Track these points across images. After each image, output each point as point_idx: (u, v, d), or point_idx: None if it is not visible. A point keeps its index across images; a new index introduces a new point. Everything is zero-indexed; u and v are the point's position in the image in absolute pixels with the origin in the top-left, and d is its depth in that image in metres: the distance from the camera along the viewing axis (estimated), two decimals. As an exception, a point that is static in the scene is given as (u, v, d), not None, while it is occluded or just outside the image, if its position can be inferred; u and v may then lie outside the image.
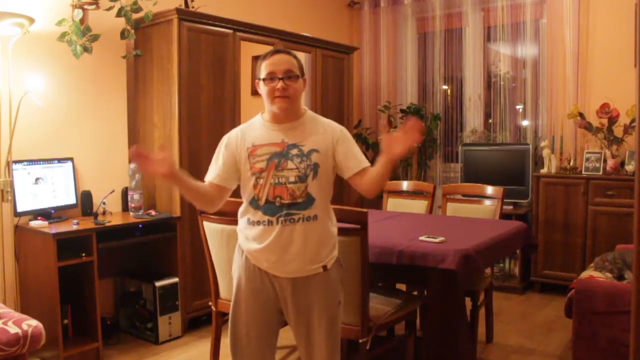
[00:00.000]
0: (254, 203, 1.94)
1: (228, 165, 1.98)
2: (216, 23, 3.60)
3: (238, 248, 2.05)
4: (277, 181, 1.90)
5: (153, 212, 3.41)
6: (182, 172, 1.91)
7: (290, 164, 1.91)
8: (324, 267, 1.96)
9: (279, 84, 1.90)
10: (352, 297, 2.36)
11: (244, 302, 2.00)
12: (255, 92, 4.38)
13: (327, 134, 1.98)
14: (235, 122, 3.75)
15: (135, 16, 3.33)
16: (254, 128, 2.00)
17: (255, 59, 4.35)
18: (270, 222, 1.91)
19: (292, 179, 1.90)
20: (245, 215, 1.99)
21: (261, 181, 1.91)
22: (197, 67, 3.49)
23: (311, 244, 1.93)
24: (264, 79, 1.94)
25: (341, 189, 4.68)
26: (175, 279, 3.39)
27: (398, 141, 1.84)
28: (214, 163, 2.02)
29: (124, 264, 3.59)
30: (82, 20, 3.18)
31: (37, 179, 3.12)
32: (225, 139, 2.03)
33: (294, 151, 1.92)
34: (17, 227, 3.07)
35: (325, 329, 1.97)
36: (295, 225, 1.90)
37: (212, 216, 2.70)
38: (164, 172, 1.82)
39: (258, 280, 1.98)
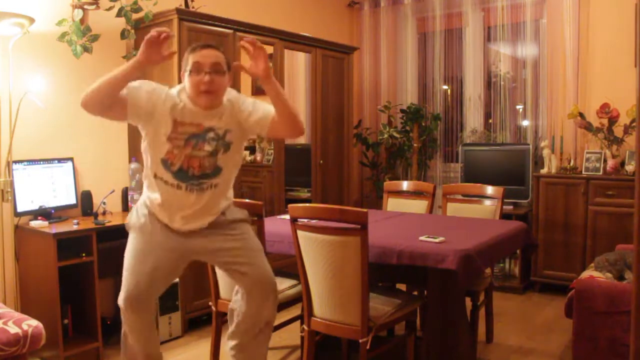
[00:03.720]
0: (165, 165, 2.06)
1: (143, 103, 2.02)
2: (216, 23, 3.60)
3: (142, 200, 2.18)
4: (192, 154, 2.06)
5: (153, 212, 3.41)
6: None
7: (206, 146, 2.06)
8: (222, 214, 2.21)
9: (206, 77, 1.97)
10: (352, 297, 2.37)
11: (147, 253, 2.16)
12: (255, 92, 4.40)
13: (233, 108, 2.12)
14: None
15: (135, 16, 3.33)
16: (180, 101, 2.06)
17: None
18: (179, 186, 2.08)
19: (204, 154, 2.06)
20: (153, 169, 2.10)
21: (176, 151, 2.03)
22: (197, 67, 3.49)
23: (211, 205, 2.15)
24: (190, 71, 2.00)
25: (341, 189, 4.69)
26: (175, 279, 3.39)
27: (254, 60, 2.01)
28: (143, 89, 2.05)
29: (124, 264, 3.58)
30: (82, 20, 3.18)
31: (37, 179, 3.12)
32: (159, 90, 2.07)
33: (211, 134, 2.07)
34: (17, 227, 3.07)
35: (242, 240, 2.23)
36: (203, 193, 2.10)
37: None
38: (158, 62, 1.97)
39: (161, 226, 2.16)
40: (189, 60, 2.03)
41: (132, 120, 2.08)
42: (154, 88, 2.07)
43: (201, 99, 2.00)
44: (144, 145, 2.14)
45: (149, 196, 2.17)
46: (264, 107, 2.15)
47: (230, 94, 2.17)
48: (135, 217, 2.22)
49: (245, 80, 4.06)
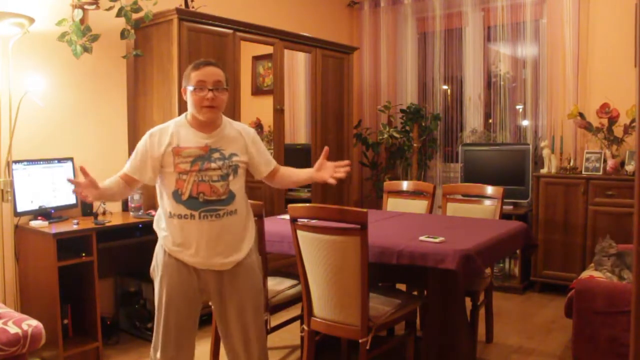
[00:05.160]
0: (176, 197, 2.08)
1: (143, 161, 2.11)
2: (216, 23, 3.60)
3: (159, 245, 2.18)
4: (200, 179, 2.07)
5: (153, 212, 3.41)
6: (97, 184, 2.07)
7: (213, 165, 2.09)
8: (244, 257, 2.17)
9: (209, 94, 2.06)
10: (352, 297, 2.37)
11: (170, 297, 2.13)
12: (255, 92, 4.41)
13: (242, 138, 2.20)
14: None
15: (135, 16, 3.33)
16: (178, 130, 2.12)
17: (256, 59, 4.36)
18: (192, 216, 2.07)
19: (215, 177, 2.08)
20: (167, 208, 2.11)
21: (184, 177, 2.06)
22: (197, 67, 3.49)
23: (231, 236, 2.13)
24: (194, 88, 2.08)
25: (341, 189, 4.69)
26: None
27: (328, 170, 2.19)
28: (135, 158, 2.14)
29: (124, 264, 3.59)
30: (82, 20, 3.18)
31: (37, 179, 3.12)
32: (148, 138, 2.13)
33: (216, 155, 2.11)
34: (17, 227, 3.07)
35: (252, 316, 2.18)
36: (221, 220, 2.09)
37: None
38: (90, 198, 2.07)
39: (179, 273, 2.12)
40: (192, 77, 2.08)
41: (155, 178, 2.14)
42: (145, 147, 2.12)
43: (204, 114, 2.08)
44: (158, 189, 2.17)
45: (165, 237, 2.15)
46: (268, 158, 2.30)
47: (243, 127, 2.26)
48: (154, 264, 2.21)
49: (245, 81, 4.06)
